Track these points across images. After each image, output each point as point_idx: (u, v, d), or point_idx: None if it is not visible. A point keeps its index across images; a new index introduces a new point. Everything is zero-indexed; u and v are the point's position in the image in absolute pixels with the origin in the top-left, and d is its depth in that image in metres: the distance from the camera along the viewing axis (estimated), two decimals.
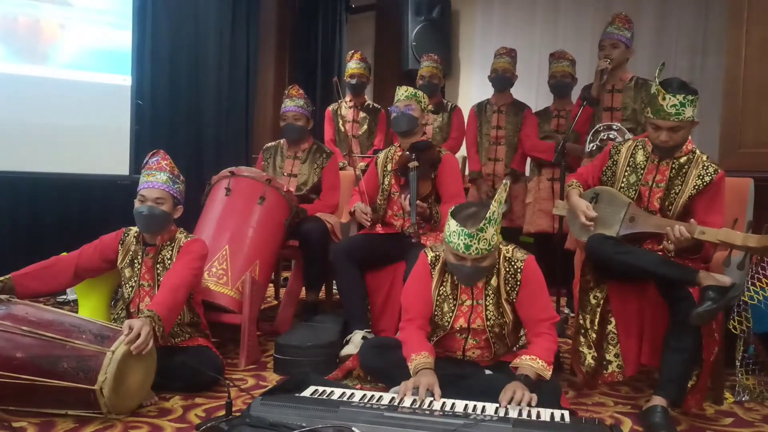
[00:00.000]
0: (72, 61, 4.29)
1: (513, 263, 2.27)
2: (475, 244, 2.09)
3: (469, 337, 2.34)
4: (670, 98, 2.30)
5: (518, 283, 2.25)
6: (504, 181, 2.27)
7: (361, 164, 3.93)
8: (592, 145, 3.34)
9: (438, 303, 2.32)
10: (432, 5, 5.96)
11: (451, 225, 2.13)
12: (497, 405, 2.01)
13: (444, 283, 2.33)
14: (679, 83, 2.34)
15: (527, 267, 2.26)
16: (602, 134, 3.29)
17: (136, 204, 2.56)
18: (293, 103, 3.66)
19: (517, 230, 4.20)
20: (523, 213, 4.24)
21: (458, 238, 2.11)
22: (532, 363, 2.14)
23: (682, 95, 2.29)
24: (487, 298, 2.29)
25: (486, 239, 2.10)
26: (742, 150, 3.40)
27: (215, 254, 3.02)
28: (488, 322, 2.29)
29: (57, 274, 2.58)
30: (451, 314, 2.31)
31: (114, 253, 2.64)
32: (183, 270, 2.50)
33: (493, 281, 2.28)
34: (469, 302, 2.30)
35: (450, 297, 2.31)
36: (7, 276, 2.45)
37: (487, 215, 2.09)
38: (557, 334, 2.32)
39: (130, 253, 2.63)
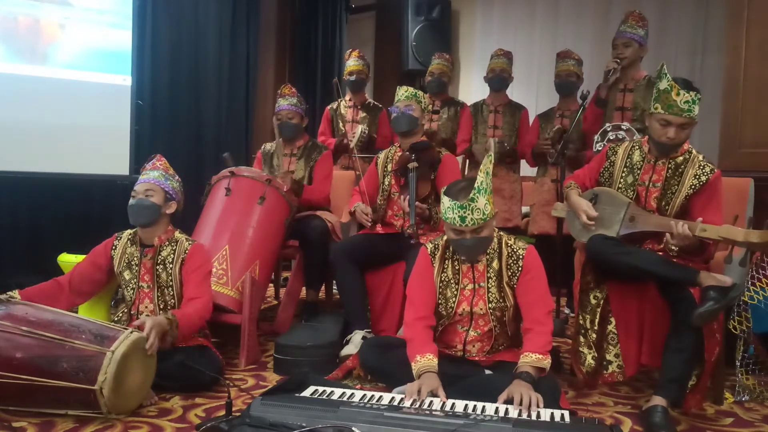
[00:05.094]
0: (72, 61, 4.29)
1: (515, 250, 2.32)
2: (469, 215, 2.16)
3: (471, 329, 2.35)
4: (684, 94, 2.32)
5: (520, 269, 2.30)
6: (489, 153, 2.30)
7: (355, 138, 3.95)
8: (599, 145, 3.27)
9: (441, 290, 2.35)
10: (432, 5, 5.96)
11: (445, 201, 2.21)
12: (497, 405, 2.01)
13: (445, 270, 2.37)
14: (685, 81, 2.38)
15: (529, 254, 2.31)
16: (610, 134, 3.22)
17: (129, 201, 2.57)
18: (287, 101, 3.70)
19: (512, 231, 4.17)
20: (518, 213, 4.26)
21: (453, 212, 2.18)
22: (525, 359, 2.18)
23: (694, 93, 2.33)
24: (489, 280, 2.32)
25: (479, 209, 2.17)
26: (742, 150, 3.40)
27: (215, 254, 3.01)
28: (490, 305, 2.31)
29: (56, 296, 2.54)
30: (454, 299, 2.34)
31: (107, 260, 2.65)
32: (208, 293, 2.61)
33: (495, 264, 2.32)
34: (471, 286, 2.34)
35: (452, 282, 2.35)
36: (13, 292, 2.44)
37: (476, 185, 2.17)
38: (557, 333, 2.33)
39: (126, 255, 2.63)
